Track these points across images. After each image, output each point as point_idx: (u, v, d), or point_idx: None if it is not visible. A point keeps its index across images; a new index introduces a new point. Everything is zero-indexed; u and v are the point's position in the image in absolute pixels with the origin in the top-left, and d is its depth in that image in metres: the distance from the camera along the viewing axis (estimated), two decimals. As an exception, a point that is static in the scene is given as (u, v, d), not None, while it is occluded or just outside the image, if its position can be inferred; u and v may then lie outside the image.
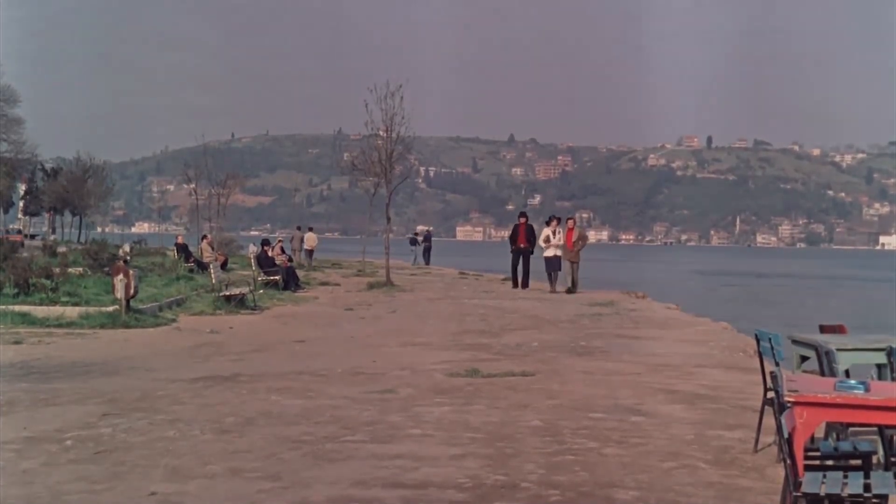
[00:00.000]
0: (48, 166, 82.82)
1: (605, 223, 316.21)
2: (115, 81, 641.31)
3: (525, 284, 25.97)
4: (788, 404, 4.70)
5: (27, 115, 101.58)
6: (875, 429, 5.79)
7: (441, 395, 9.28)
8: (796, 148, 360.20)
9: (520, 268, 26.09)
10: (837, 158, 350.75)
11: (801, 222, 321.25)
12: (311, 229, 42.65)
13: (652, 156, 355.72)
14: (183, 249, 31.97)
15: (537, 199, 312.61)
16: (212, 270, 21.39)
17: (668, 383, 10.03)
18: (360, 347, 13.73)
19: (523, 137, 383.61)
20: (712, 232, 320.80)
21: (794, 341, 7.61)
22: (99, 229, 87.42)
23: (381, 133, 28.95)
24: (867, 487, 4.62)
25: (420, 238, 49.18)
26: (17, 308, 15.78)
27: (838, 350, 6.88)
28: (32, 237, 68.44)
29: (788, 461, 4.58)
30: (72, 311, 15.80)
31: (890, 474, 4.96)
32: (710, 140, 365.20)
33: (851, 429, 6.29)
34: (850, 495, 4.56)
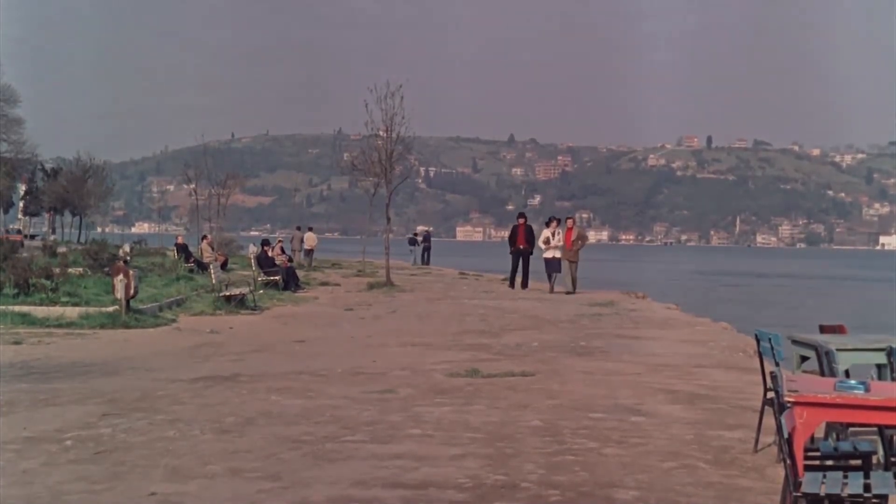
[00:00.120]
0: (48, 166, 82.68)
1: (605, 223, 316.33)
2: (114, 81, 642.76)
3: (525, 285, 25.95)
4: (788, 404, 4.69)
5: (27, 115, 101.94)
6: (875, 429, 5.79)
7: (441, 395, 9.28)
8: (796, 148, 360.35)
9: (519, 269, 26.08)
10: (837, 158, 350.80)
11: (800, 222, 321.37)
12: (310, 229, 42.59)
13: (652, 156, 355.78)
14: (183, 250, 31.98)
15: (537, 199, 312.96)
16: (212, 270, 21.41)
17: (668, 383, 10.03)
18: (360, 347, 13.73)
19: (523, 137, 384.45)
20: (712, 232, 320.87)
21: (794, 341, 7.60)
22: (99, 229, 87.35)
23: (381, 133, 28.93)
24: (867, 487, 4.62)
25: (419, 238, 49.11)
26: (17, 308, 15.79)
27: (838, 350, 6.88)
28: (32, 237, 68.42)
29: (788, 461, 4.58)
30: (72, 312, 15.80)
31: (890, 474, 4.95)
32: (709, 140, 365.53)
33: (851, 429, 6.29)
34: (850, 495, 4.56)
